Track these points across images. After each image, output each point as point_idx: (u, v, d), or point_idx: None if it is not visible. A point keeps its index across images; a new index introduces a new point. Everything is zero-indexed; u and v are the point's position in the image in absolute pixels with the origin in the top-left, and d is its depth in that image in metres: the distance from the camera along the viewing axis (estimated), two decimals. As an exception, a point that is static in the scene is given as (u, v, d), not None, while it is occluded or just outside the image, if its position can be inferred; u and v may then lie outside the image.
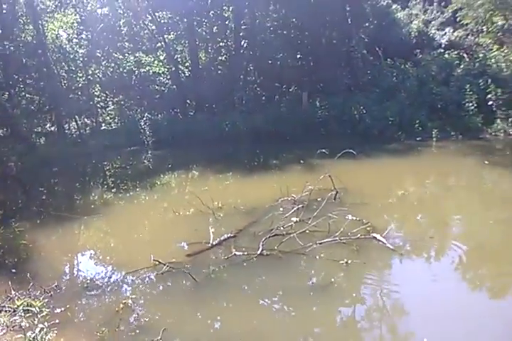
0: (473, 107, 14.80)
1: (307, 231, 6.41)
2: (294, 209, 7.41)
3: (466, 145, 13.45)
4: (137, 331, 4.49)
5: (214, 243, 6.43)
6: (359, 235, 6.31)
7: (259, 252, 5.97)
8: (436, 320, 4.49)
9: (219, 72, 19.15)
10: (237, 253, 6.04)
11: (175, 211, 7.86)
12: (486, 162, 11.37)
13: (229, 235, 6.66)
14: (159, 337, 4.30)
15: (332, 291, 5.15)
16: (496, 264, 5.85)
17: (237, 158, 13.95)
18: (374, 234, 6.39)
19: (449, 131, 14.38)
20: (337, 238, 6.15)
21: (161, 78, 19.37)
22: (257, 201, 8.23)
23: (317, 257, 5.86)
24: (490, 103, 14.84)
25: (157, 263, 5.72)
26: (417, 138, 14.29)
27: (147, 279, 5.65)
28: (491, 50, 17.04)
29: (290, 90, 18.80)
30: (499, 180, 10.16)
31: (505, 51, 16.69)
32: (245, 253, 6.05)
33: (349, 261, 5.60)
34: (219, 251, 6.35)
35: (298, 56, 18.32)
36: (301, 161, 11.68)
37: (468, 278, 5.71)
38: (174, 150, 14.96)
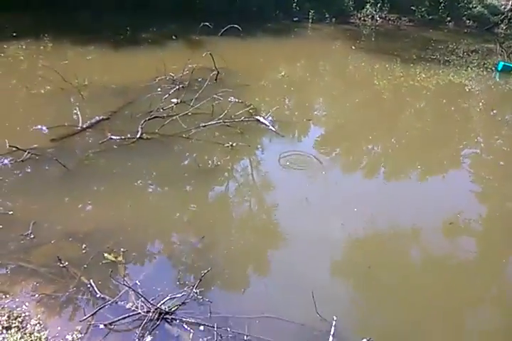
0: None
1: (189, 114, 5.97)
2: (174, 89, 6.79)
3: (338, 29, 13.63)
4: (1, 226, 3.91)
5: (84, 126, 5.64)
6: (243, 118, 6.14)
7: (138, 136, 5.43)
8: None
9: None
10: (114, 137, 5.40)
11: (28, 87, 6.60)
12: (353, 47, 11.78)
13: (101, 117, 5.88)
14: (30, 231, 3.83)
15: (217, 173, 5.09)
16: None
17: (98, 29, 11.87)
18: (257, 117, 6.29)
19: (324, 12, 14.18)
20: (221, 121, 5.89)
21: None
22: (130, 79, 7.31)
23: (202, 141, 5.60)
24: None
25: (14, 149, 4.85)
26: (294, 19, 13.88)
27: (4, 168, 4.83)
28: None
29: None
30: (361, 65, 10.63)
31: None
32: (122, 137, 5.42)
33: (234, 144, 5.50)
34: (89, 135, 5.61)
35: None
36: (174, 37, 10.52)
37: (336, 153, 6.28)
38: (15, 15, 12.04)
